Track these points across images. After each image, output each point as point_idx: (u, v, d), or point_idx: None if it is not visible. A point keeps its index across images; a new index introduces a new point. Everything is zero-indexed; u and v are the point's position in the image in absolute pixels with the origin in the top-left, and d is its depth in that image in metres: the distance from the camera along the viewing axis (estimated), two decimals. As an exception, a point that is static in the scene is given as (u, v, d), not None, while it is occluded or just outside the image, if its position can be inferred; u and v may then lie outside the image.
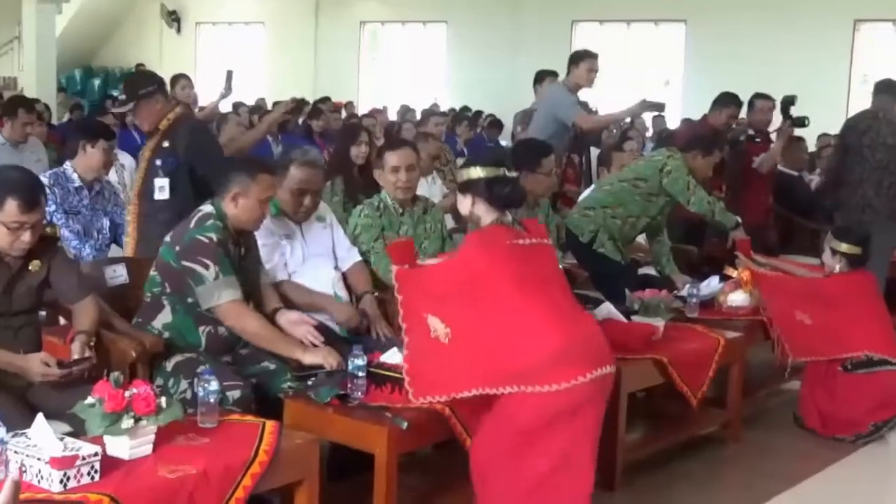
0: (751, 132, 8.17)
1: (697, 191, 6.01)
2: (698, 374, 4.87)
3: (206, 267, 3.92)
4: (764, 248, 7.18)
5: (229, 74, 8.58)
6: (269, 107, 14.25)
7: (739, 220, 6.20)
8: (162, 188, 5.14)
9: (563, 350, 3.63)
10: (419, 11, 18.66)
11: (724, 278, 5.89)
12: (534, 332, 3.66)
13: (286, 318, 4.16)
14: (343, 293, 4.62)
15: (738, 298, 5.64)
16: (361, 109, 16.96)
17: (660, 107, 7.55)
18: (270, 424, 3.37)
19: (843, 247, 5.69)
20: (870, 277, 5.76)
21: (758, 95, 8.21)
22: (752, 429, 5.50)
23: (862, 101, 15.54)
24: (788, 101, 8.05)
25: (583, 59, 7.34)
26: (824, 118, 13.91)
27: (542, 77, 8.83)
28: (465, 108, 15.00)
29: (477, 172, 3.96)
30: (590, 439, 3.75)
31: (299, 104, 10.38)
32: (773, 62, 14.67)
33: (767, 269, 5.99)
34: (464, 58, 18.08)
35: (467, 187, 3.98)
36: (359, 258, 4.79)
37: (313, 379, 3.82)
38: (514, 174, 4.03)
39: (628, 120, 10.91)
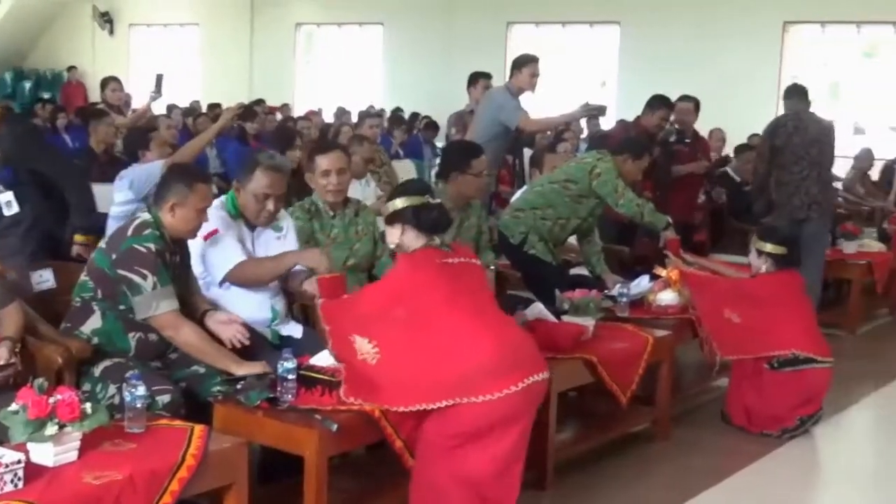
0: (678, 134, 8.30)
1: (626, 193, 6.09)
2: (627, 372, 4.94)
3: (144, 277, 3.91)
4: (693, 247, 7.31)
5: (159, 78, 8.55)
6: (204, 109, 14.19)
7: (670, 220, 6.29)
8: (9, 203, 4.91)
9: (495, 360, 3.74)
10: (355, 13, 18.64)
11: (654, 278, 5.97)
12: (466, 344, 3.77)
13: (215, 318, 4.15)
14: (280, 306, 4.60)
15: (667, 297, 5.71)
16: (297, 111, 16.92)
17: (601, 110, 7.68)
18: (199, 429, 3.37)
19: (769, 247, 5.79)
20: (796, 277, 5.87)
21: (681, 97, 8.34)
22: (682, 426, 5.58)
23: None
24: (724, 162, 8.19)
25: (526, 64, 7.42)
26: (755, 118, 14.15)
27: (475, 79, 8.88)
28: (398, 110, 15.03)
29: (402, 202, 4.09)
30: (524, 445, 3.88)
31: (247, 109, 10.36)
32: (706, 64, 14.89)
33: (696, 269, 6.09)
34: (400, 60, 18.09)
35: (394, 218, 4.10)
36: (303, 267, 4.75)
37: (243, 382, 3.81)
38: (437, 201, 4.16)
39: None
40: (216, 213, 4.46)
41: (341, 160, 5.01)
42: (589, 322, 4.96)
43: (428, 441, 3.77)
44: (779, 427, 5.51)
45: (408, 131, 13.36)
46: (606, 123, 13.81)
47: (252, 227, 4.56)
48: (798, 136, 7.55)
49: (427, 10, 17.56)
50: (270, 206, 4.48)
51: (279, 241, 4.62)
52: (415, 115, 14.46)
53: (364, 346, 3.83)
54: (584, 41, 17.11)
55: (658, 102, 7.89)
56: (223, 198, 4.61)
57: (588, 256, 6.41)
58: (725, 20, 14.97)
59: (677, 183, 8.14)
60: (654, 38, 15.48)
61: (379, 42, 18.69)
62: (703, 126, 12.75)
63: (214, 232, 4.41)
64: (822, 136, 7.67)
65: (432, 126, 13.53)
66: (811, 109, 7.81)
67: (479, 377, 3.70)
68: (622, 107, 14.70)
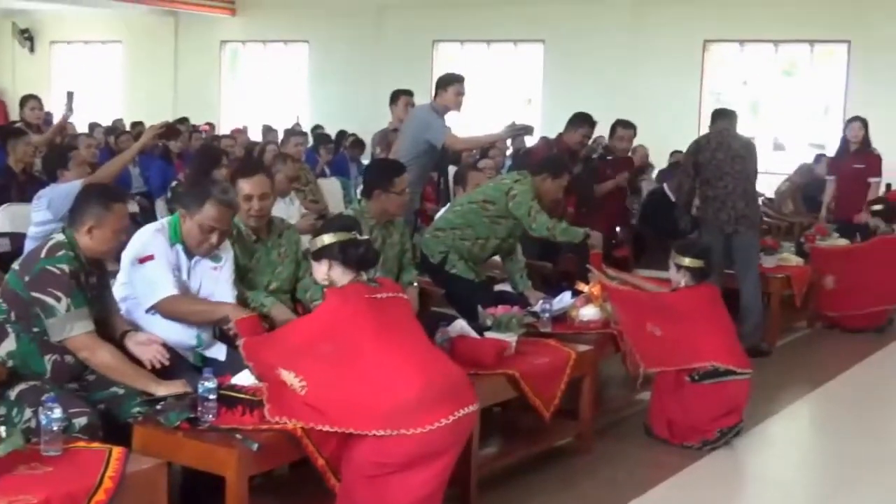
0: (603, 151, 8.42)
1: (539, 216, 6.16)
2: (550, 387, 4.99)
3: (58, 299, 3.86)
4: (615, 263, 7.40)
5: (70, 95, 8.56)
6: (128, 127, 14.05)
7: (586, 230, 6.37)
8: None
9: (425, 393, 3.78)
10: (280, 31, 18.61)
11: (577, 293, 6.03)
12: (396, 378, 3.79)
13: (134, 339, 4.12)
14: (207, 334, 4.56)
15: (589, 313, 5.77)
16: (223, 129, 16.84)
17: (528, 130, 7.71)
18: (117, 451, 3.34)
19: (686, 261, 5.88)
20: (714, 290, 5.97)
21: (619, 122, 8.39)
22: (605, 439, 5.64)
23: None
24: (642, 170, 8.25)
25: (451, 83, 7.45)
26: (677, 135, 14.40)
27: (397, 96, 8.92)
28: (318, 127, 14.99)
29: (330, 238, 4.12)
30: (449, 473, 3.94)
31: (170, 128, 10.28)
32: (629, 81, 15.15)
33: (618, 283, 6.16)
34: (326, 78, 18.08)
35: (321, 253, 4.14)
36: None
37: (162, 403, 3.79)
38: (365, 237, 4.21)
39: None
40: (155, 237, 4.44)
41: (264, 184, 4.98)
42: (511, 338, 5.00)
43: (354, 466, 3.78)
44: (699, 439, 5.59)
45: (334, 149, 13.35)
46: (531, 140, 13.95)
47: (190, 256, 4.52)
48: (721, 152, 7.70)
49: (353, 29, 17.57)
50: (214, 238, 4.46)
51: (215, 272, 4.59)
52: (341, 133, 14.41)
53: (291, 380, 3.82)
54: (510, 59, 17.24)
55: (580, 120, 7.99)
56: (164, 221, 4.59)
57: (511, 273, 6.46)
58: (647, 39, 15.23)
59: (600, 200, 8.25)
60: (578, 56, 15.68)
61: (304, 60, 18.66)
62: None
63: (150, 258, 4.37)
64: (745, 151, 7.83)
65: (359, 144, 13.51)
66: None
67: (410, 410, 3.72)
68: (547, 124, 14.83)
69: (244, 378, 3.90)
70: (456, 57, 17.36)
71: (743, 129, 17.28)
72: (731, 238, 7.67)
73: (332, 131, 14.62)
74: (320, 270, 4.15)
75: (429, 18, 16.73)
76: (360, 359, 3.82)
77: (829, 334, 8.84)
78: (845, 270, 8.77)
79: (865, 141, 9.70)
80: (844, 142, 9.87)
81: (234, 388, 3.83)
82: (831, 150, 11.30)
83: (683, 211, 8.17)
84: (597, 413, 5.61)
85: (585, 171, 8.04)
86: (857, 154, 9.73)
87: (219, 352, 4.55)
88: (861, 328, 8.73)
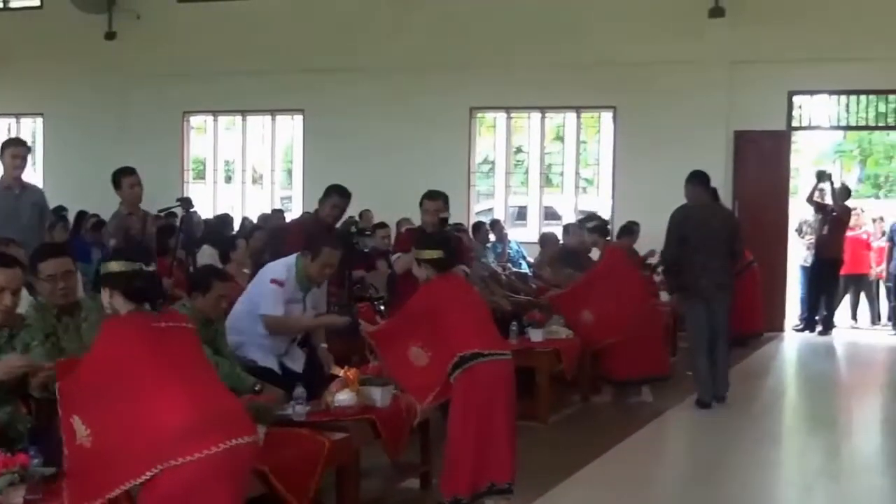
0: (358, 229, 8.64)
1: None
2: (303, 480, 5.01)
3: None
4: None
5: None
6: None
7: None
8: None
9: (194, 422, 3.91)
10: (9, 104, 18.00)
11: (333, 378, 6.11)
12: (167, 408, 3.92)
13: None
14: None
15: (345, 398, 5.81)
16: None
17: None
18: None
19: (426, 254, 6.11)
20: (458, 279, 6.29)
21: (427, 195, 8.50)
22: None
23: (483, 184, 16.71)
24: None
25: (5, 149, 7.99)
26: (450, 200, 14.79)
27: (118, 178, 9.00)
28: (61, 209, 14.54)
29: (116, 267, 4.31)
30: None
31: None
32: (397, 148, 15.48)
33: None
34: (64, 154, 17.57)
35: (105, 281, 4.33)
36: None
37: None
38: (151, 268, 4.37)
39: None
40: None
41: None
42: (260, 430, 5.01)
43: None
44: (470, 491, 5.75)
45: (73, 232, 12.99)
46: (293, 214, 14.03)
47: None
48: (706, 224, 8.86)
49: (95, 101, 17.12)
50: None
51: None
52: (81, 214, 14.03)
53: (80, 429, 3.96)
54: (268, 131, 17.31)
55: (330, 191, 8.28)
56: None
57: None
58: (412, 107, 15.56)
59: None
60: (339, 127, 15.78)
61: (39, 134, 18.14)
62: (396, 211, 13.25)
63: None
64: (728, 225, 9.14)
65: (101, 225, 13.20)
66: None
67: (178, 440, 3.85)
68: (309, 197, 14.98)
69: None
70: (209, 127, 17.36)
71: (518, 195, 17.90)
72: (710, 304, 8.77)
73: (72, 212, 14.18)
74: (104, 297, 4.32)
75: (177, 89, 16.53)
76: (137, 395, 3.94)
77: (602, 408, 9.24)
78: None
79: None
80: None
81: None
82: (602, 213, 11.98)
83: (672, 279, 9.26)
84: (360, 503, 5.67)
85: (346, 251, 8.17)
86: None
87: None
88: (646, 374, 9.36)
